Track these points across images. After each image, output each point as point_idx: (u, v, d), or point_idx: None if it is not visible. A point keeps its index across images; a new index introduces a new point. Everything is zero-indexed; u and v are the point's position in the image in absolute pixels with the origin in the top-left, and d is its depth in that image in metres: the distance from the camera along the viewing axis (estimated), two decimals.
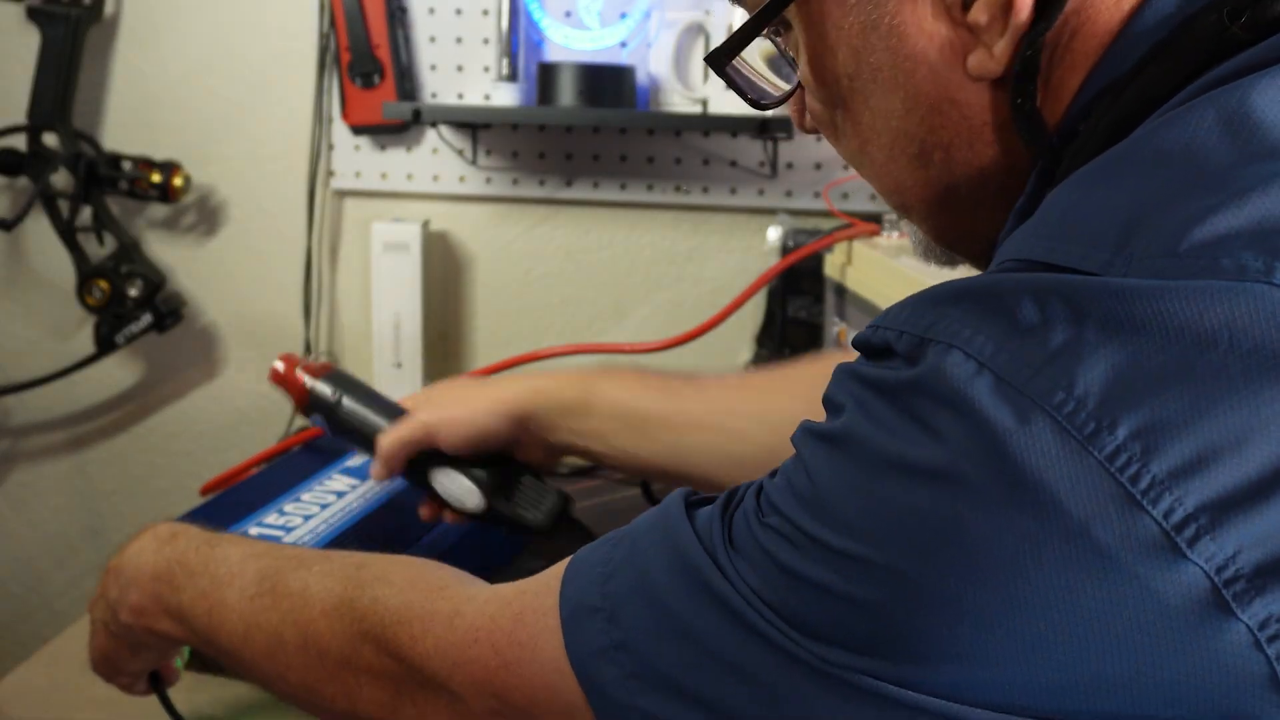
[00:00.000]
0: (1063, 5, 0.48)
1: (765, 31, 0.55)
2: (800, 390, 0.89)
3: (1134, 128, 0.46)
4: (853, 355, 0.48)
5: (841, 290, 1.40)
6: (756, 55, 0.57)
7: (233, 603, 0.65)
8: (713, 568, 0.48)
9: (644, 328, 1.70)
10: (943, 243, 0.60)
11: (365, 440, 0.93)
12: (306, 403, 0.95)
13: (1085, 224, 0.43)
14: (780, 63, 0.58)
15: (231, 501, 0.98)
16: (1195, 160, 0.42)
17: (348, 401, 0.93)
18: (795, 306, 1.54)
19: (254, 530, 0.92)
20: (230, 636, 0.65)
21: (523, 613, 0.55)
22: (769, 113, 0.62)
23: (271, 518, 0.94)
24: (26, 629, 1.87)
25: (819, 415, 0.49)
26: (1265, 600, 0.38)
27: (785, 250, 1.50)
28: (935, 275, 0.63)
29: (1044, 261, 0.43)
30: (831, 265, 1.42)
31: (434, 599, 0.59)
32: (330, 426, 0.95)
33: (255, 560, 0.67)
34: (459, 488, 0.90)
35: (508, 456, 0.93)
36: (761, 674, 0.46)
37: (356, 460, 1.06)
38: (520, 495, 0.91)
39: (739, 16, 0.56)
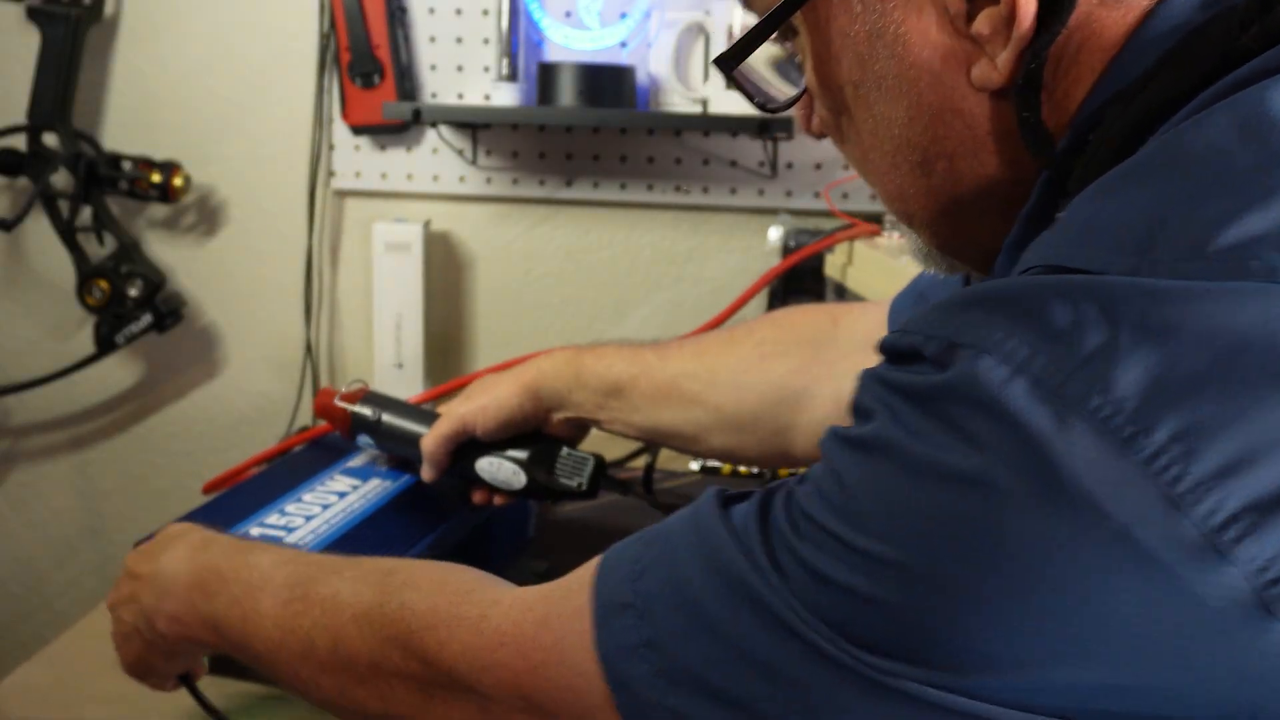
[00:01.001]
0: (1066, 18, 0.49)
1: (773, 36, 0.55)
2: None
3: (1146, 136, 0.46)
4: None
5: (842, 290, 1.40)
6: (764, 59, 0.58)
7: (266, 609, 0.65)
8: (748, 568, 0.47)
9: (644, 328, 1.70)
10: (945, 251, 0.60)
11: (411, 447, 0.99)
12: (350, 427, 1.02)
13: (1108, 229, 0.43)
14: (788, 66, 0.58)
15: (233, 502, 0.98)
16: (1216, 164, 0.42)
17: (387, 417, 1.01)
18: None
19: (255, 531, 0.92)
20: (265, 642, 0.65)
21: (547, 617, 0.55)
22: (769, 113, 0.62)
23: (273, 518, 0.94)
24: (27, 629, 1.87)
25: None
26: None
27: (786, 250, 1.50)
28: None
29: (1068, 266, 0.43)
30: (832, 265, 1.42)
31: (460, 604, 0.59)
32: (377, 443, 1.02)
33: (285, 566, 0.67)
34: (503, 471, 0.97)
35: (541, 434, 0.99)
36: (796, 674, 0.46)
37: (358, 461, 1.06)
38: (560, 466, 0.97)
39: (740, 19, 0.56)
